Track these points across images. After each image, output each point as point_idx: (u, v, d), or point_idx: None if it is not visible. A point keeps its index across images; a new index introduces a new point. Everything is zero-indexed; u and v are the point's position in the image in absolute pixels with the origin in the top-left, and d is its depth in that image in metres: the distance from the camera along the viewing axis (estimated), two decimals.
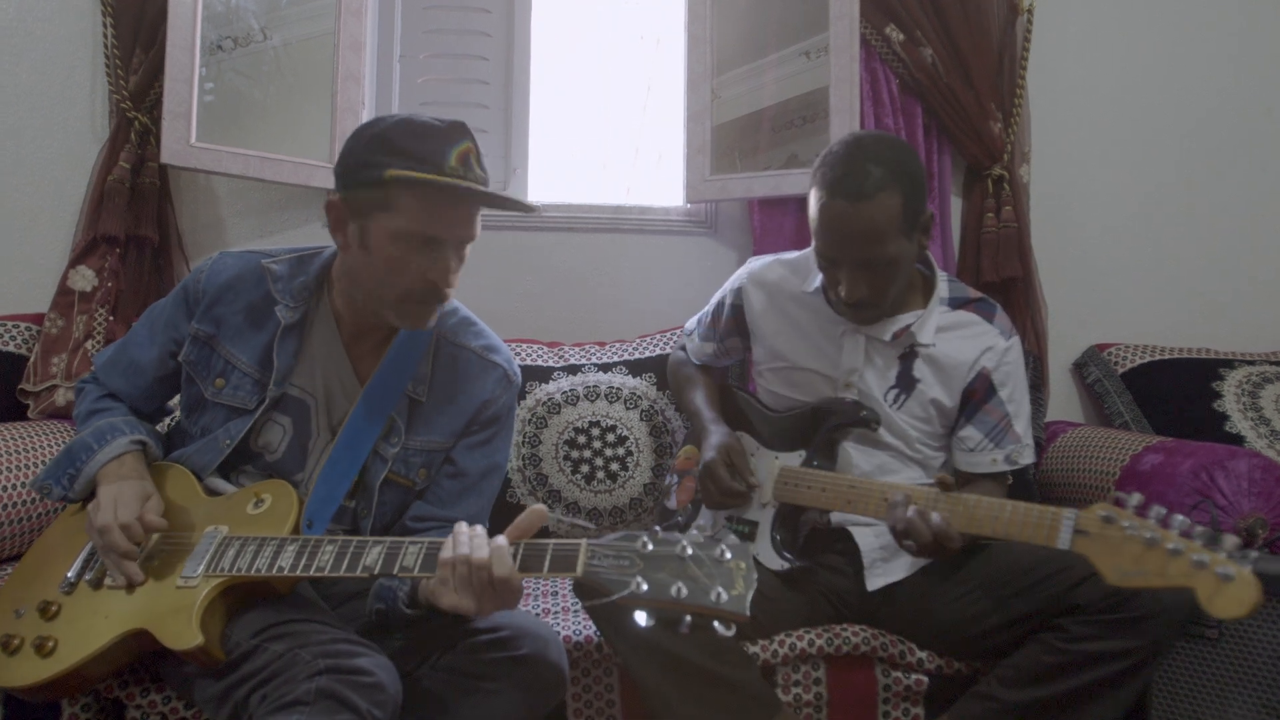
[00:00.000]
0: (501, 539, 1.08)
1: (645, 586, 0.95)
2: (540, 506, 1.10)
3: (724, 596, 0.93)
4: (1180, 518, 1.14)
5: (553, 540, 1.07)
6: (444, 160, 1.23)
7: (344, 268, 1.37)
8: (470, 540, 1.08)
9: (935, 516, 1.32)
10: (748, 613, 0.93)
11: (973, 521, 1.32)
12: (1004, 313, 1.64)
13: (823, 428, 1.57)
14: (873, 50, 2.29)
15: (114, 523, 1.21)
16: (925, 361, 1.59)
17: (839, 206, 1.45)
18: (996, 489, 1.57)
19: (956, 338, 1.60)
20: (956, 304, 1.63)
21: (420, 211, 1.24)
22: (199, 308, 1.39)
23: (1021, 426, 1.59)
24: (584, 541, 1.04)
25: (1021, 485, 2.04)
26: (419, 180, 1.22)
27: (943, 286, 1.63)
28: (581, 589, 1.40)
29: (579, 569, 1.02)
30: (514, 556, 1.07)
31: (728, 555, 0.97)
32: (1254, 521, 1.63)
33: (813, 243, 1.54)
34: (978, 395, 1.58)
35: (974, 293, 1.66)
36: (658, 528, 1.02)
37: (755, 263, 1.79)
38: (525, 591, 1.68)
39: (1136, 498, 1.18)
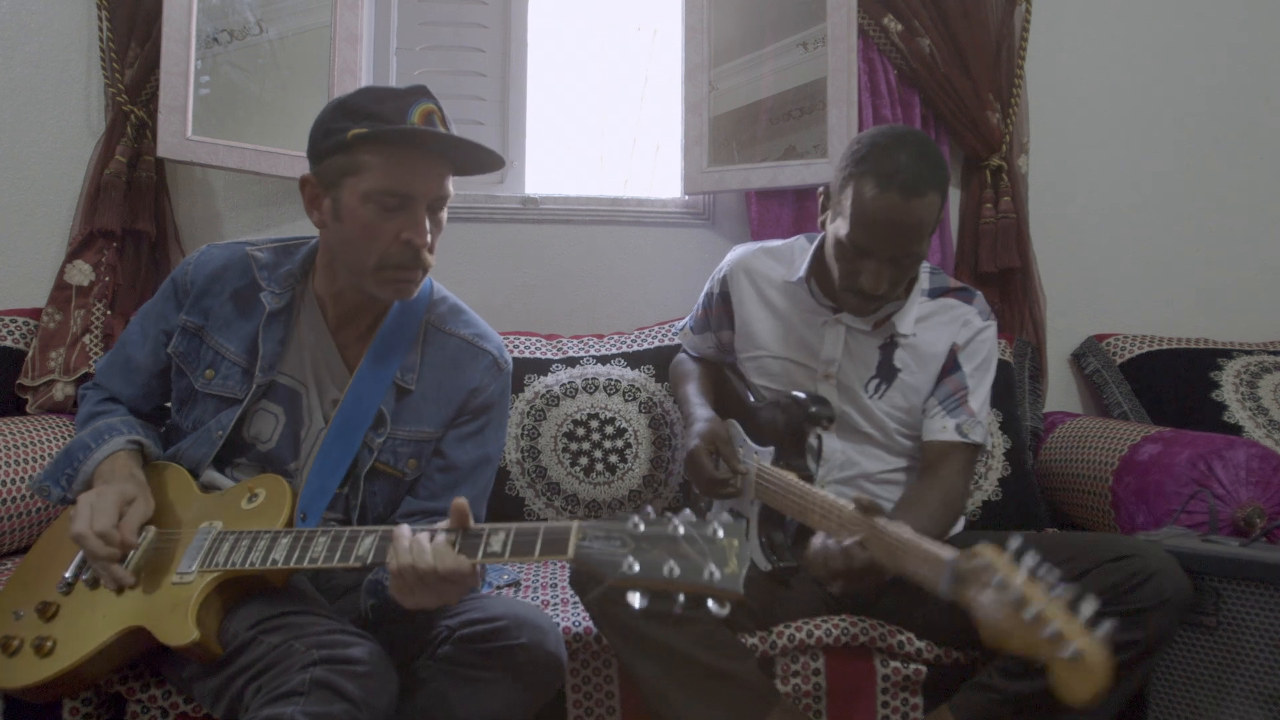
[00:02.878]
0: (441, 537, 1.09)
1: (637, 567, 0.94)
2: (460, 501, 1.10)
3: (717, 575, 0.92)
4: (1048, 566, 0.99)
5: (544, 523, 1.07)
6: (405, 118, 1.25)
7: (324, 247, 1.37)
8: (411, 548, 1.08)
9: (851, 543, 1.23)
10: (741, 590, 0.92)
11: (878, 550, 1.21)
12: (983, 298, 1.66)
13: (783, 426, 1.56)
14: (870, 41, 2.29)
15: (89, 530, 1.20)
16: (906, 351, 1.60)
17: (892, 200, 1.41)
18: (957, 460, 1.57)
19: (935, 324, 1.61)
20: (937, 294, 1.64)
21: (386, 169, 1.25)
22: (187, 299, 1.39)
23: (977, 403, 1.59)
24: (575, 523, 1.03)
25: (1021, 477, 2.05)
26: (381, 133, 1.23)
27: (924, 277, 1.64)
28: (579, 581, 1.40)
29: (570, 551, 1.01)
30: (454, 546, 1.08)
31: (720, 534, 0.95)
32: (1251, 510, 1.63)
33: (841, 231, 1.48)
34: (946, 368, 1.61)
35: (954, 282, 1.67)
36: (649, 509, 1.02)
37: (740, 249, 1.79)
38: (524, 584, 1.69)
39: (1016, 540, 1.05)
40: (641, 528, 0.98)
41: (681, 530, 0.96)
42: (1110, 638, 0.93)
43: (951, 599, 1.07)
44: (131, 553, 1.23)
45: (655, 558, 0.94)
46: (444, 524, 1.12)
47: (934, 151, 1.47)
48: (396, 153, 1.25)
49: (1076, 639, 0.91)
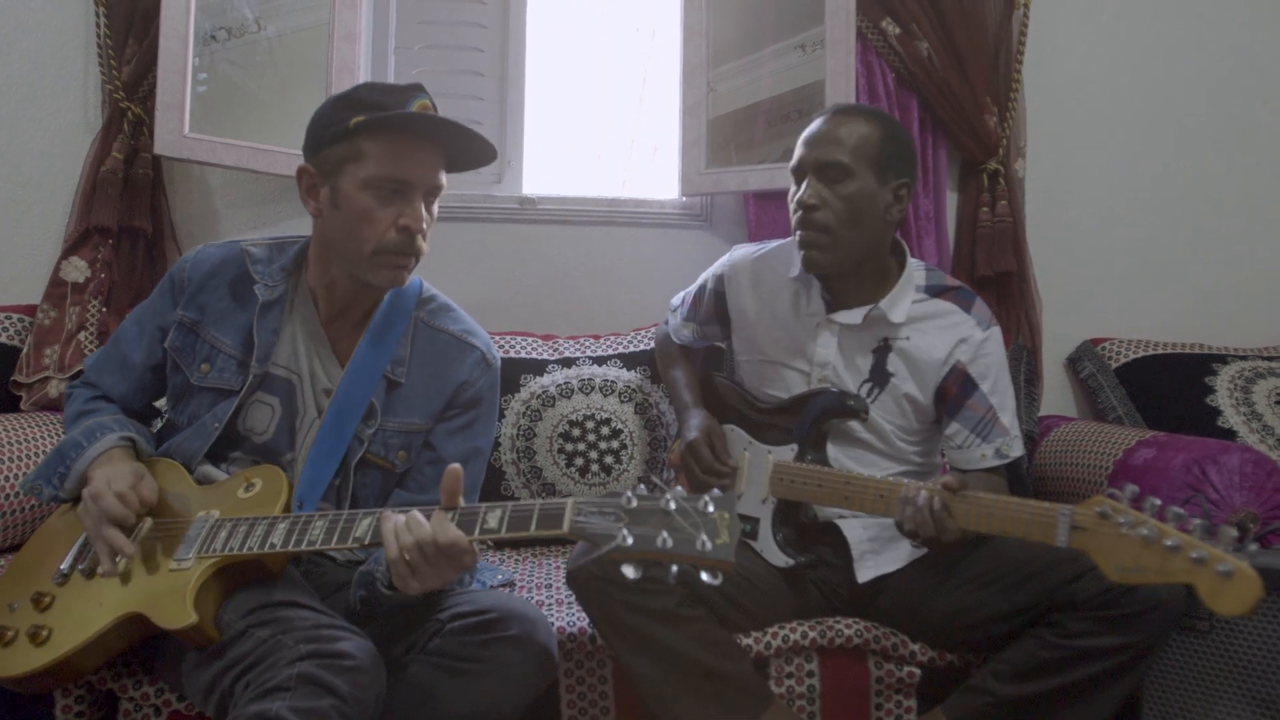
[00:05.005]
0: (434, 510, 1.12)
1: (631, 539, 0.97)
2: (454, 465, 1.13)
3: (709, 545, 0.96)
4: (1176, 509, 1.13)
5: (539, 500, 1.10)
6: (406, 109, 1.30)
7: (318, 238, 1.40)
8: (409, 524, 1.11)
9: (936, 501, 1.33)
10: (733, 560, 0.96)
11: (970, 518, 1.32)
12: (983, 303, 1.63)
13: (809, 419, 1.57)
14: (869, 44, 2.29)
15: (107, 489, 1.23)
16: (899, 355, 1.59)
17: (820, 121, 1.57)
18: (995, 483, 1.57)
19: (932, 329, 1.59)
20: (934, 292, 1.62)
21: (386, 156, 1.29)
22: (184, 295, 1.41)
23: (1008, 418, 1.57)
24: (570, 499, 1.06)
25: (1015, 479, 2.05)
26: (383, 120, 1.28)
27: (919, 274, 1.63)
28: (576, 581, 1.40)
29: (565, 526, 1.04)
30: (452, 520, 1.11)
31: (711, 507, 0.99)
32: (1245, 516, 1.64)
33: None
34: (955, 390, 1.57)
35: (952, 281, 1.65)
36: (642, 485, 1.04)
37: (739, 250, 1.80)
38: (519, 584, 1.68)
39: (1131, 489, 1.18)
40: (634, 503, 1.02)
41: (673, 504, 1.00)
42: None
43: (1069, 546, 1.21)
44: (131, 536, 1.24)
45: (649, 530, 0.98)
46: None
47: (874, 109, 1.64)
48: (396, 141, 1.30)
49: (1223, 560, 1.06)
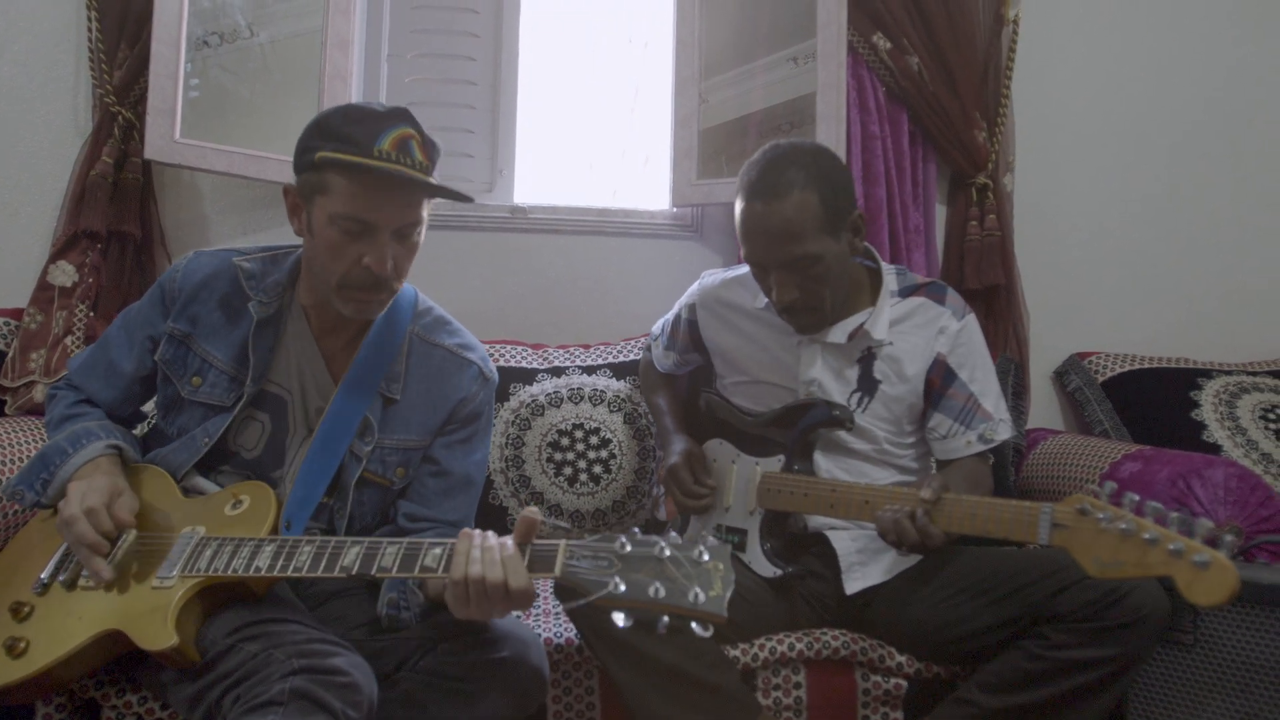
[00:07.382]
0: (512, 548, 1.07)
1: (623, 587, 0.96)
2: (533, 511, 1.08)
3: (702, 597, 0.94)
4: (1154, 504, 1.15)
5: (531, 541, 1.08)
6: (375, 143, 1.23)
7: (304, 257, 1.38)
8: (483, 556, 1.06)
9: (919, 513, 1.34)
10: (725, 614, 0.93)
11: (951, 520, 1.33)
12: (955, 293, 1.65)
13: (797, 430, 1.58)
14: (860, 57, 2.31)
15: (79, 512, 1.19)
16: (884, 361, 1.60)
17: (755, 208, 1.48)
18: (978, 469, 1.59)
19: (910, 327, 1.61)
20: (907, 292, 1.64)
21: (350, 195, 1.24)
22: (175, 307, 1.39)
23: (991, 403, 1.59)
24: (562, 542, 1.04)
25: (1002, 494, 2.05)
26: (343, 162, 1.22)
27: (890, 279, 1.64)
28: (562, 591, 1.40)
29: (557, 569, 1.02)
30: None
31: (705, 556, 0.97)
32: (1229, 530, 1.64)
33: (741, 251, 1.56)
34: (937, 383, 1.59)
35: (921, 278, 1.67)
36: (636, 530, 1.03)
37: (707, 279, 1.81)
38: None
39: (1110, 486, 1.19)
40: (628, 548, 0.99)
41: (667, 552, 0.98)
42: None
43: (1051, 544, 1.21)
44: (112, 551, 1.21)
45: (641, 579, 0.96)
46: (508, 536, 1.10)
47: (806, 156, 1.50)
48: (362, 180, 1.24)
49: (1200, 551, 1.07)
